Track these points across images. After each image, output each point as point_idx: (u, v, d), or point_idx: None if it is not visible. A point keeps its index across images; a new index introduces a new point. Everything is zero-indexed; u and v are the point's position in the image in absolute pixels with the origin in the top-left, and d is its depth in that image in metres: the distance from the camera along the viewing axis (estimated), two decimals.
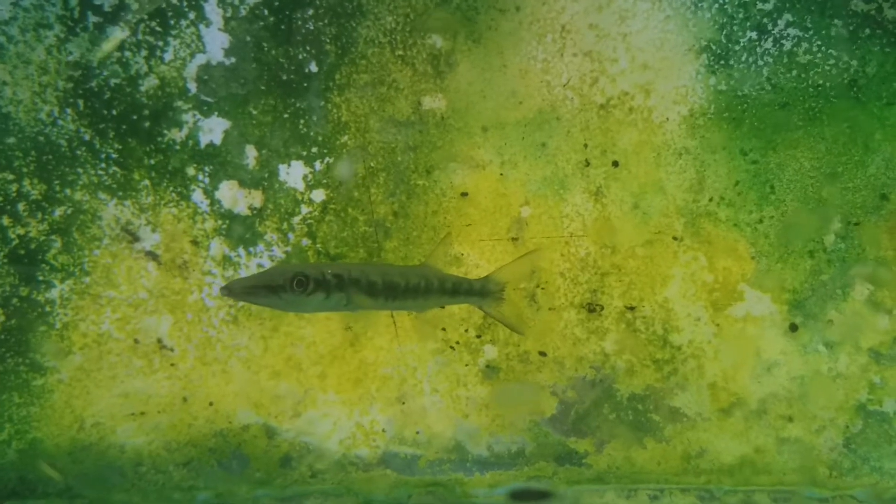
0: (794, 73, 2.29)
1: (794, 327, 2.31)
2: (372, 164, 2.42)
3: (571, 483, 2.39)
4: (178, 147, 2.39)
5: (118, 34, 2.30)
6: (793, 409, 2.34)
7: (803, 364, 2.33)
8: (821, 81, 2.28)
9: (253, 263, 2.43)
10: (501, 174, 2.39)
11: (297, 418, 2.45)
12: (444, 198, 2.40)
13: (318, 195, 2.43)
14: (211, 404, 2.43)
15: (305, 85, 2.38)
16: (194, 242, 2.41)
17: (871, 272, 2.28)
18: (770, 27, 2.29)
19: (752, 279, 2.32)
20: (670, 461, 2.38)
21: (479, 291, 1.86)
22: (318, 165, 2.43)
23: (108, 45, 2.14)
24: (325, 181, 2.43)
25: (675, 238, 2.34)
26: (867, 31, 2.27)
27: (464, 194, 2.41)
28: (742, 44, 2.30)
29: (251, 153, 2.41)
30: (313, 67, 2.38)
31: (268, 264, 2.43)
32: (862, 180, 2.28)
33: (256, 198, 2.42)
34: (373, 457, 2.45)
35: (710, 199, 2.33)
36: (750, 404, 2.35)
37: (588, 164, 2.36)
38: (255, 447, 2.45)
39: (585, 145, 2.36)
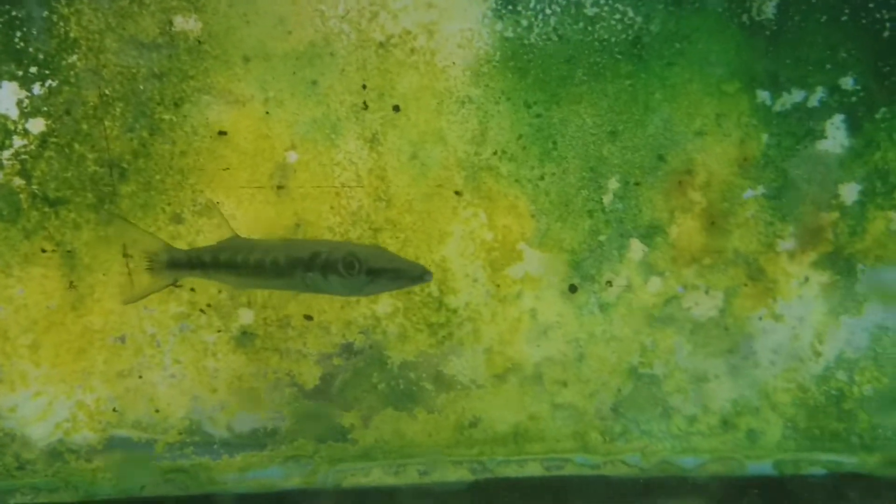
0: (581, 25, 2.38)
1: (573, 288, 2.42)
2: (107, 92, 2.19)
3: (334, 462, 2.34)
4: None
5: None
6: (567, 374, 2.44)
7: (579, 327, 2.45)
8: (606, 36, 2.38)
9: None
10: (267, 112, 2.27)
11: (1, 398, 2.18)
12: (196, 136, 2.23)
13: (37, 125, 2.16)
14: None
15: None
16: None
17: (646, 234, 2.44)
18: None
19: (532, 238, 2.39)
20: (442, 432, 2.40)
21: None
22: (37, 89, 2.16)
23: None
24: (45, 109, 2.17)
25: (457, 193, 2.35)
26: None
27: (222, 133, 2.25)
28: None
29: None
30: None
31: None
32: (641, 140, 2.42)
33: None
34: (98, 442, 2.23)
35: (494, 153, 2.36)
36: (525, 369, 2.43)
37: (366, 107, 2.30)
38: None
39: (364, 86, 2.30)
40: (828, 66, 2.42)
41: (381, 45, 2.29)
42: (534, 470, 2.41)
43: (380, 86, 2.30)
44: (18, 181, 2.16)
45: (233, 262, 1.70)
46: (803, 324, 2.49)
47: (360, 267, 1.61)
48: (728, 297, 2.46)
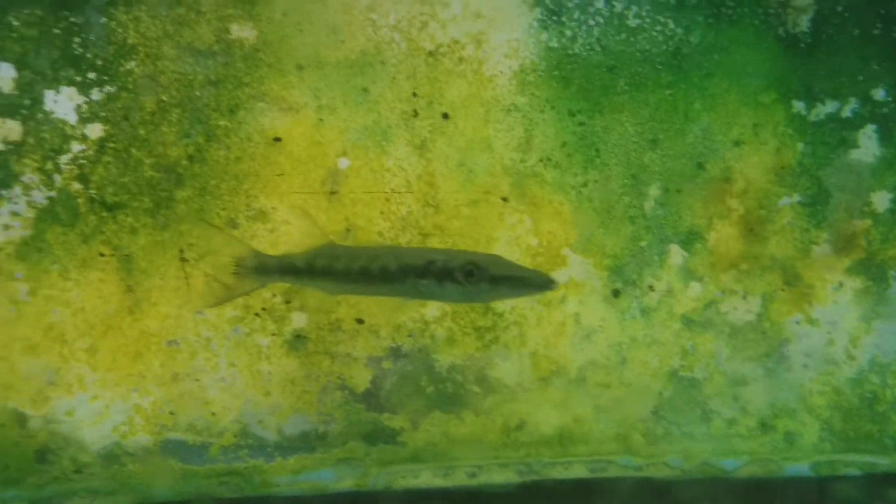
0: (623, 36, 2.46)
1: (616, 293, 2.49)
2: (164, 98, 2.24)
3: (385, 464, 2.39)
4: None
5: None
6: (611, 377, 2.51)
7: (621, 331, 2.51)
8: (647, 47, 2.47)
9: (6, 210, 2.15)
10: (320, 119, 2.32)
11: (59, 402, 2.21)
12: (250, 143, 2.28)
13: (95, 130, 2.21)
14: None
15: None
16: None
17: (686, 239, 2.52)
18: None
19: (576, 244, 2.47)
20: (489, 435, 2.46)
21: None
22: (95, 95, 2.21)
23: None
24: (103, 114, 2.22)
25: (503, 199, 2.42)
26: (693, 0, 2.50)
27: (276, 139, 2.31)
28: (575, 1, 2.43)
29: (9, 74, 2.14)
30: None
31: (24, 210, 2.16)
32: (681, 148, 2.50)
33: (14, 129, 2.15)
34: (154, 445, 2.26)
35: (539, 160, 2.44)
36: (570, 373, 2.49)
37: (416, 114, 2.37)
38: (3, 438, 2.18)
39: (414, 94, 2.37)
40: (860, 78, 2.51)
41: (431, 53, 2.36)
42: (578, 472, 2.47)
43: (429, 94, 2.36)
44: (76, 186, 2.20)
45: (331, 269, 1.71)
46: (837, 328, 2.58)
47: (481, 274, 1.63)
48: (765, 301, 2.54)
